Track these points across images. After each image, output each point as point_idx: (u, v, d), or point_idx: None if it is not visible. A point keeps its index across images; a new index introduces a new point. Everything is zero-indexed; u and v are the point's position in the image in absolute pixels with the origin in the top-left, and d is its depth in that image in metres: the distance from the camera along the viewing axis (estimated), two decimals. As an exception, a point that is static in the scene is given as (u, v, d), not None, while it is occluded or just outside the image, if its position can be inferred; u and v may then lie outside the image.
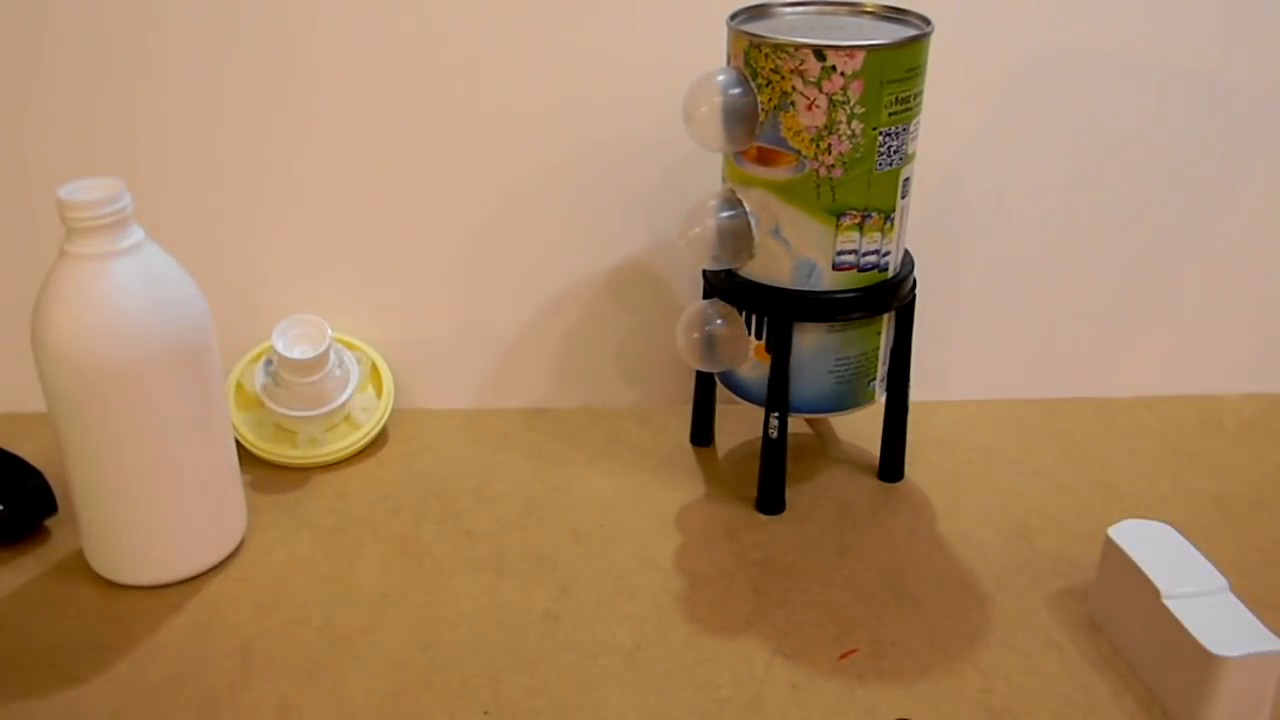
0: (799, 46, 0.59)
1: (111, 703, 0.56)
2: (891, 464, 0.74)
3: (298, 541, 0.68)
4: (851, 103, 0.59)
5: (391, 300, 0.80)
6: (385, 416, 0.77)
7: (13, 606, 0.62)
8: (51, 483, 0.68)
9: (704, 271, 0.70)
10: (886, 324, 0.68)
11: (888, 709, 0.56)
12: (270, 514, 0.70)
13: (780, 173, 0.62)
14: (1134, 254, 0.82)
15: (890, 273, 0.66)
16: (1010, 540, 0.68)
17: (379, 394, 0.78)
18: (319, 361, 0.72)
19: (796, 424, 0.79)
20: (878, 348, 0.69)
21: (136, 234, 0.61)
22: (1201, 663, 0.52)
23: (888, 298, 0.66)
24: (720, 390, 0.75)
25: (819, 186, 0.62)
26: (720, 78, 0.62)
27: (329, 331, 0.73)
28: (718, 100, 0.62)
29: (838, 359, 0.67)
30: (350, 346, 0.78)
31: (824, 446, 0.79)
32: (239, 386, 0.76)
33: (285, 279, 0.79)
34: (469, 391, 0.82)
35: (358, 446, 0.76)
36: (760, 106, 0.61)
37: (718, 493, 0.73)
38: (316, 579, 0.65)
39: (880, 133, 0.61)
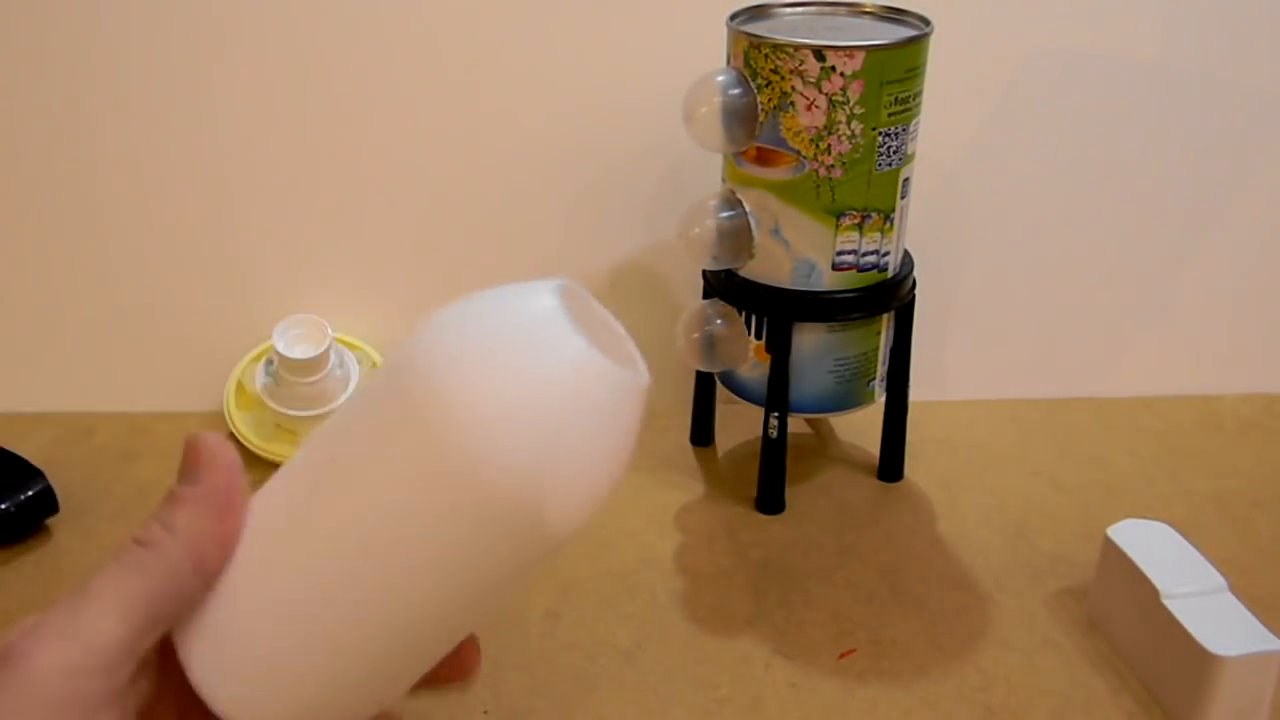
0: (799, 47, 0.59)
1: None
2: (891, 464, 0.74)
3: (298, 541, 0.68)
4: (851, 103, 0.60)
5: (391, 300, 0.80)
6: (385, 416, 0.77)
7: (13, 607, 0.62)
8: (52, 483, 0.68)
9: (704, 271, 0.70)
10: (886, 324, 0.68)
11: (887, 709, 0.56)
12: (271, 514, 0.70)
13: (780, 173, 0.62)
14: (1133, 254, 0.82)
15: (890, 273, 0.66)
16: (1010, 540, 0.68)
17: (379, 394, 0.78)
18: (319, 361, 0.72)
19: (796, 424, 0.79)
20: (877, 348, 0.69)
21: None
22: (1200, 662, 0.52)
23: (887, 298, 0.66)
24: (720, 390, 0.75)
25: (819, 187, 0.62)
26: (720, 78, 0.62)
27: (329, 331, 0.73)
28: (717, 100, 0.62)
29: (837, 359, 0.67)
30: (350, 346, 0.78)
31: (824, 446, 0.79)
32: (239, 386, 0.76)
33: (285, 279, 0.79)
34: (469, 391, 0.82)
35: (358, 446, 0.76)
36: (760, 107, 0.61)
37: (718, 493, 0.73)
38: (317, 579, 0.65)
39: (880, 133, 0.61)
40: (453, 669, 0.35)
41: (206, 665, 0.31)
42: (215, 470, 0.31)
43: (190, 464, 0.32)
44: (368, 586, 0.30)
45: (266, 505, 0.32)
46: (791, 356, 0.66)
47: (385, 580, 0.30)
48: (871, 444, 0.76)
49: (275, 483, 0.32)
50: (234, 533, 0.31)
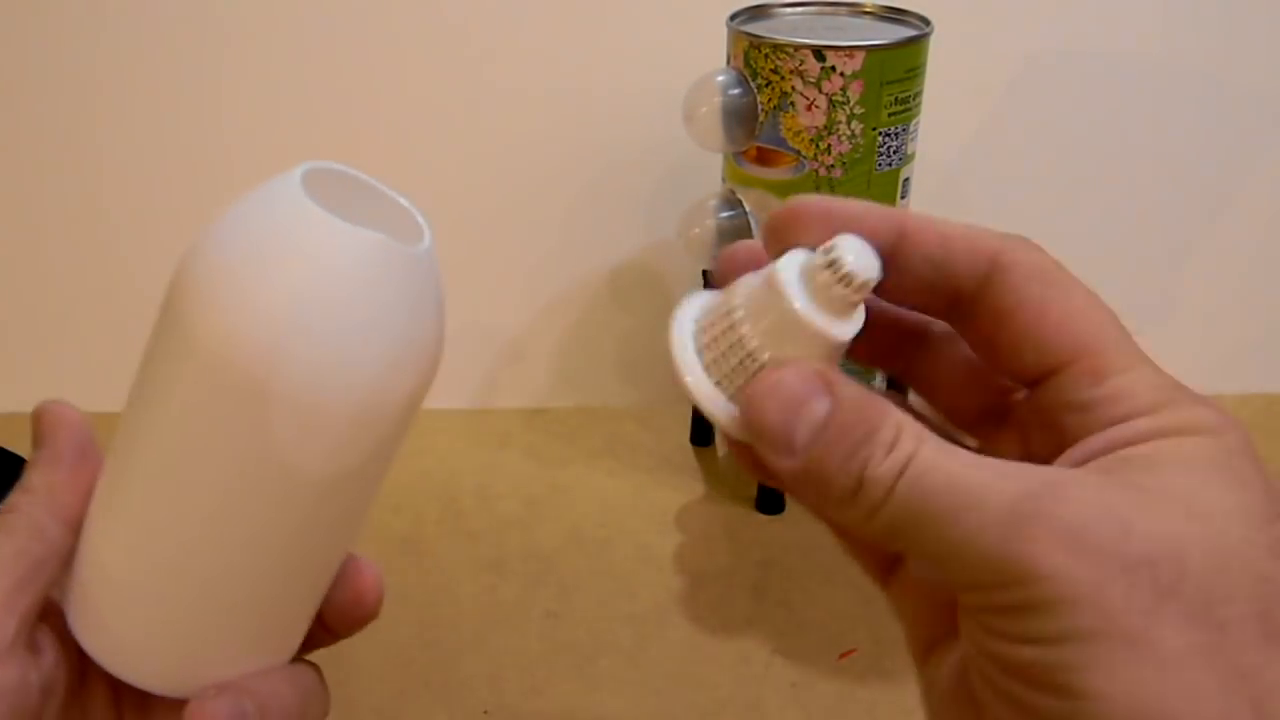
0: (799, 47, 0.59)
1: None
2: (891, 464, 0.74)
3: (298, 541, 0.68)
4: (851, 103, 0.60)
5: (392, 300, 0.80)
6: (385, 416, 0.77)
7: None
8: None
9: (704, 271, 0.70)
10: (886, 324, 0.68)
11: (887, 709, 0.56)
12: (270, 514, 0.70)
13: (780, 173, 0.62)
14: (1134, 254, 0.82)
15: (890, 273, 0.66)
16: (1010, 540, 0.68)
17: (379, 394, 0.78)
18: (319, 361, 0.72)
19: (796, 424, 0.79)
20: (877, 348, 0.69)
21: None
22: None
23: (887, 298, 0.66)
24: (720, 390, 0.75)
25: (819, 187, 0.62)
26: (720, 78, 0.62)
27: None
28: (717, 100, 0.62)
29: (837, 359, 0.67)
30: (350, 346, 0.78)
31: (824, 446, 0.79)
32: (239, 386, 0.76)
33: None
34: (469, 391, 0.82)
35: (358, 446, 0.76)
36: (760, 107, 0.61)
37: (718, 493, 0.73)
38: (317, 579, 0.65)
39: (880, 133, 0.61)
40: (352, 604, 0.35)
41: (78, 618, 0.32)
42: (59, 428, 0.33)
43: (37, 431, 0.34)
44: (174, 504, 0.29)
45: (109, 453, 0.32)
46: (791, 356, 0.66)
47: (185, 494, 0.29)
48: (871, 444, 0.76)
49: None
50: (89, 478, 0.32)
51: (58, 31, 0.72)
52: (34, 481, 0.33)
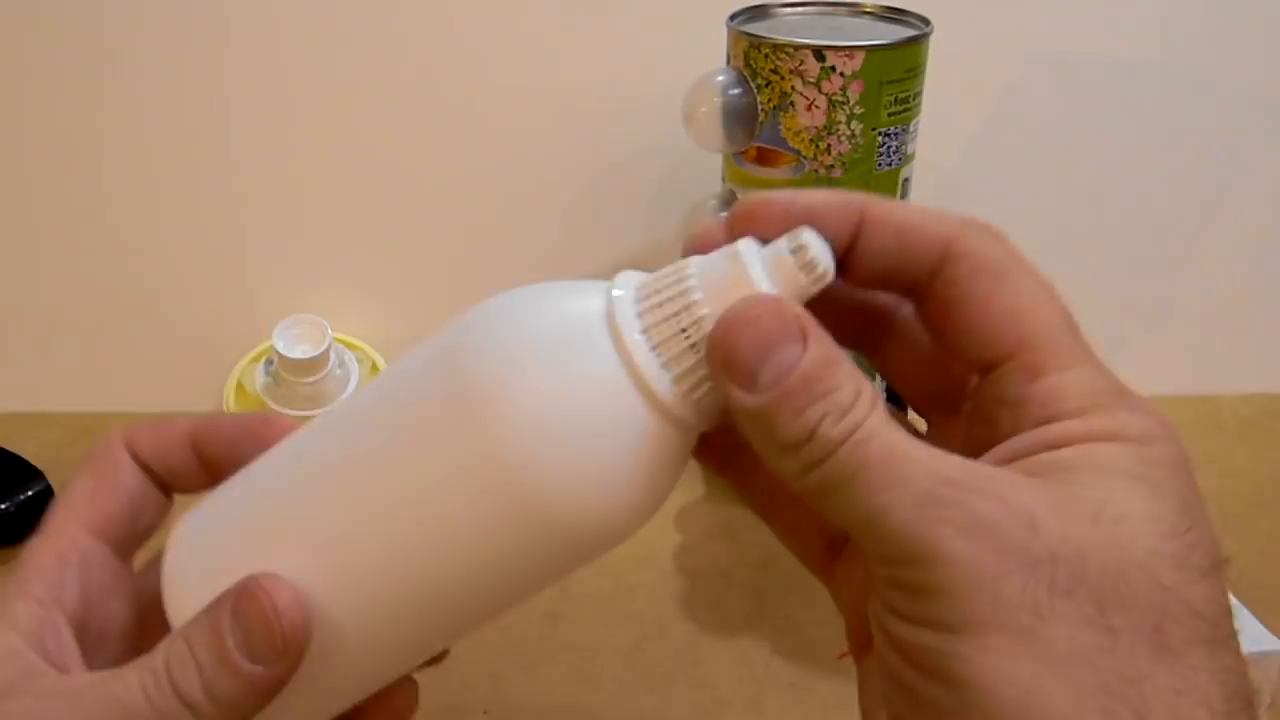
0: (799, 47, 0.59)
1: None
2: (891, 464, 0.74)
3: (298, 541, 0.68)
4: (851, 103, 0.60)
5: (391, 300, 0.80)
6: (385, 416, 0.77)
7: (13, 606, 0.62)
8: (52, 483, 0.68)
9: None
10: (886, 324, 0.68)
11: (887, 709, 0.56)
12: (270, 514, 0.70)
13: (780, 173, 0.62)
14: (1133, 254, 0.82)
15: (890, 273, 0.66)
16: (1010, 540, 0.68)
17: (379, 394, 0.78)
18: (319, 361, 0.72)
19: (796, 424, 0.79)
20: (877, 348, 0.69)
21: None
22: (1200, 663, 0.52)
23: (887, 298, 0.66)
24: (720, 390, 0.75)
25: (819, 186, 0.62)
26: (720, 78, 0.62)
27: (329, 331, 0.73)
28: (717, 100, 0.62)
29: (837, 359, 0.67)
30: (350, 346, 0.78)
31: (824, 446, 0.78)
32: (239, 386, 0.76)
33: (285, 279, 0.79)
34: (469, 391, 0.82)
35: (358, 446, 0.76)
36: (760, 107, 0.61)
37: (718, 493, 0.73)
38: (317, 579, 0.65)
39: (880, 133, 0.61)
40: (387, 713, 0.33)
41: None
42: (283, 658, 0.28)
43: (260, 637, 0.27)
44: (390, 570, 0.29)
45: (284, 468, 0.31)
46: (791, 356, 0.66)
47: (406, 567, 0.29)
48: (871, 444, 0.76)
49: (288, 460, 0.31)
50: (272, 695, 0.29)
51: (59, 31, 0.72)
52: (223, 692, 0.28)
